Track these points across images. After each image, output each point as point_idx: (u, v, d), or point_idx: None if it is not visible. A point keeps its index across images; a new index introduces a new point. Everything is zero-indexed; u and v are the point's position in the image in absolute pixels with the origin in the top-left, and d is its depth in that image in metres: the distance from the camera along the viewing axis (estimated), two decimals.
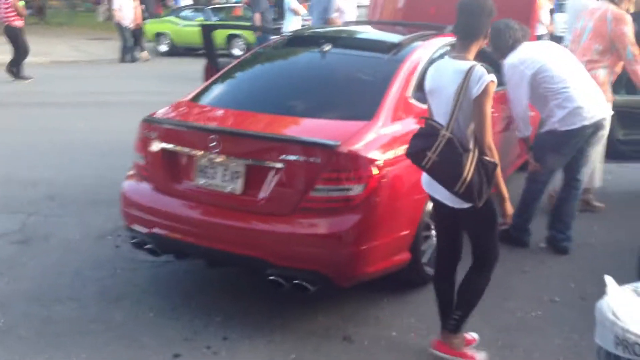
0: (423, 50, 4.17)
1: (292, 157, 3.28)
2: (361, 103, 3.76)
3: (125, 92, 11.59)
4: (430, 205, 3.68)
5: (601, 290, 3.76)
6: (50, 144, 7.46)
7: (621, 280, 3.89)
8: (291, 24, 11.95)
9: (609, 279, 1.95)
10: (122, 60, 16.41)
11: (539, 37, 10.46)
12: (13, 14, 12.19)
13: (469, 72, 2.75)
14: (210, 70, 5.85)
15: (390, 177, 3.39)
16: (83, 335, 3.36)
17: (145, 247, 3.66)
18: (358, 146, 3.30)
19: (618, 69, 4.82)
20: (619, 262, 4.20)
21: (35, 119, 9.08)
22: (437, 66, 3.02)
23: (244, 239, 3.36)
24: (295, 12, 12.32)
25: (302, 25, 11.79)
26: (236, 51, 16.97)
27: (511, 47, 4.22)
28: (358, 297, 3.71)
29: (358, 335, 3.40)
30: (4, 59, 13.28)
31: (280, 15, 10.69)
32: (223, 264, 3.70)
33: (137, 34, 16.76)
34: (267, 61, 4.57)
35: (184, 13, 18.98)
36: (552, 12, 11.78)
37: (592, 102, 4.10)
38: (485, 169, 2.78)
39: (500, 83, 5.13)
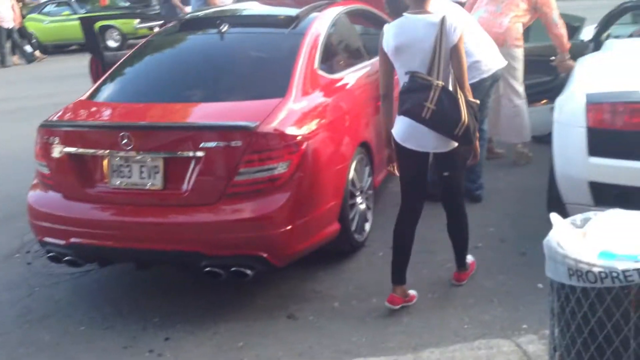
0: (321, 21, 4.17)
1: (212, 144, 3.19)
2: (271, 80, 3.71)
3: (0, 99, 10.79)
4: (352, 174, 3.75)
5: (518, 231, 4.04)
6: None
7: (533, 218, 4.18)
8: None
9: (554, 216, 2.05)
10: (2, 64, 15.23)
11: None
12: None
13: (442, 23, 2.95)
14: (96, 65, 5.57)
15: (312, 151, 3.39)
16: None
17: (65, 259, 3.45)
18: (277, 124, 3.26)
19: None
20: (528, 202, 4.50)
21: None
22: (399, 24, 3.11)
23: (174, 234, 3.26)
24: None
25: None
26: (111, 43, 16.18)
27: (407, 8, 4.28)
28: (293, 275, 3.70)
29: (301, 311, 3.40)
30: None
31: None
32: (154, 263, 3.56)
33: (23, 33, 15.61)
34: (165, 49, 4.39)
35: (47, 9, 17.83)
36: None
37: (488, 55, 4.28)
38: (473, 110, 3.03)
39: None
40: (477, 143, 3.23)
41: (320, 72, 3.85)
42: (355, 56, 4.59)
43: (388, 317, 3.27)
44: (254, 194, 3.22)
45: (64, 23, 16.90)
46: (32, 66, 15.37)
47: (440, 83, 2.96)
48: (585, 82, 3.66)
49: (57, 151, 3.47)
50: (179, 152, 3.26)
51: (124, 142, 3.26)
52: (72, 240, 3.36)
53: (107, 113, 3.73)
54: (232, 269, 3.23)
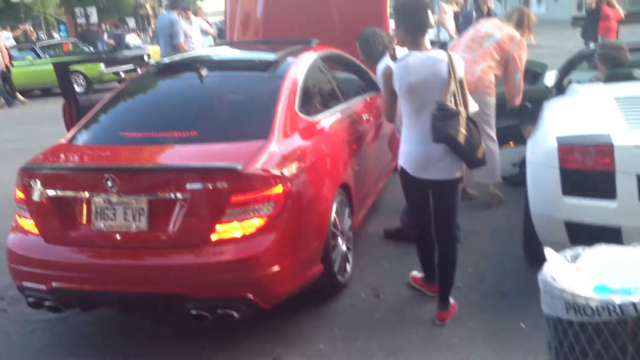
0: (298, 65, 4.27)
1: (197, 186, 3.20)
2: (253, 122, 3.76)
3: None
4: (333, 215, 3.80)
5: (496, 271, 4.12)
6: None
7: (510, 257, 4.28)
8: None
9: (548, 250, 2.12)
10: None
11: (443, 43, 10.92)
12: None
13: (450, 59, 3.31)
14: (70, 109, 5.57)
15: (296, 192, 3.43)
16: None
17: (45, 304, 3.38)
18: (262, 165, 3.30)
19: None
20: (504, 242, 4.60)
21: None
22: (410, 63, 3.35)
23: (159, 277, 3.23)
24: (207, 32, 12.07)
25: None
26: (76, 87, 16.05)
27: (381, 53, 4.44)
28: (278, 316, 3.67)
29: (287, 354, 3.38)
30: None
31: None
32: (139, 307, 3.51)
33: (7, 77, 15.40)
34: (146, 91, 4.41)
35: (11, 53, 17.65)
36: (457, 16, 11.67)
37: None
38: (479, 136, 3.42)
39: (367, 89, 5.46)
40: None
41: (301, 115, 3.92)
42: (331, 99, 4.70)
43: (372, 358, 3.28)
44: (240, 236, 3.23)
45: (27, 68, 16.77)
46: None
47: (464, 111, 3.32)
48: (555, 125, 3.83)
49: (38, 194, 3.42)
50: (165, 194, 3.25)
51: (108, 184, 3.25)
52: (54, 284, 3.30)
53: (89, 155, 3.71)
54: (219, 311, 3.21)
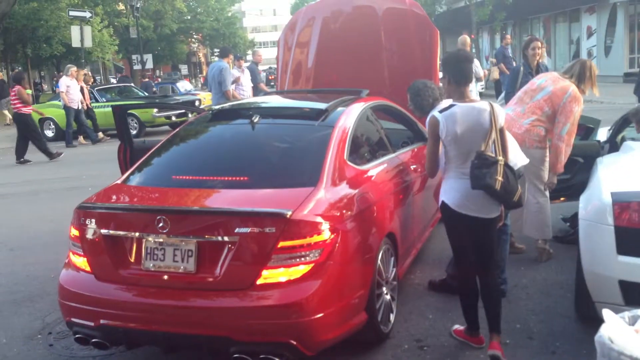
0: (348, 115, 4.33)
1: (246, 230, 3.24)
2: (302, 170, 3.82)
3: (18, 182, 10.97)
4: (379, 264, 3.78)
5: (546, 328, 4.00)
6: None
7: (560, 315, 4.16)
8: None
9: (606, 311, 2.06)
10: (68, 144, 15.65)
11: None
12: (18, 101, 12.93)
13: (492, 108, 3.56)
14: (124, 151, 5.75)
15: (343, 240, 3.43)
16: None
17: (92, 341, 3.43)
18: (310, 212, 3.33)
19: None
20: (554, 299, 4.47)
21: None
22: (456, 113, 3.55)
23: (204, 319, 3.25)
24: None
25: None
26: None
27: (432, 105, 4.47)
28: None
29: None
30: None
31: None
32: (183, 347, 3.53)
33: (91, 115, 16.08)
34: (198, 136, 4.53)
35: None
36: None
37: (512, 150, 4.40)
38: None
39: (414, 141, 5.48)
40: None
41: (350, 163, 3.96)
42: (379, 149, 4.73)
43: None
44: (286, 281, 3.24)
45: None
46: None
47: (502, 159, 3.51)
48: (609, 181, 3.75)
49: (92, 232, 3.52)
50: (213, 237, 3.31)
51: (159, 225, 3.32)
52: (102, 321, 3.36)
53: (142, 197, 3.82)
54: (261, 356, 3.20)
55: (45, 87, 40.35)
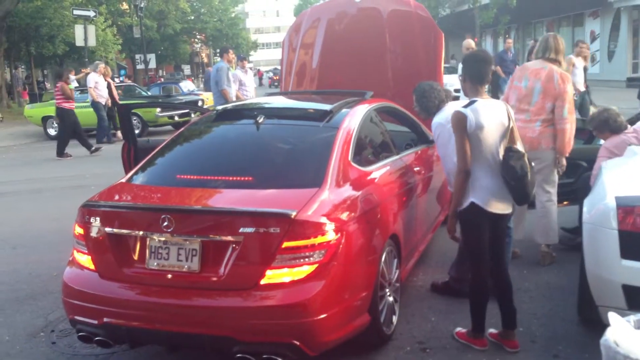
0: (353, 116, 4.33)
1: (250, 230, 3.25)
2: (307, 170, 3.83)
3: (20, 180, 10.98)
4: (382, 266, 3.78)
5: (548, 332, 4.00)
6: None
7: (562, 319, 4.16)
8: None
9: (612, 315, 2.06)
10: (99, 141, 15.54)
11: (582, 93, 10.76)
12: (61, 97, 13.18)
13: (507, 108, 3.78)
14: (129, 150, 5.75)
15: (347, 241, 3.43)
16: None
17: (95, 339, 3.44)
18: (315, 213, 3.33)
19: None
20: (556, 302, 4.47)
21: None
22: (480, 108, 3.64)
23: (207, 318, 3.25)
24: None
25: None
26: None
27: (437, 107, 4.48)
28: None
29: None
30: None
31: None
32: (186, 346, 3.53)
33: (113, 113, 16.07)
34: (203, 136, 4.54)
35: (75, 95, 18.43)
36: (585, 70, 11.55)
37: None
38: None
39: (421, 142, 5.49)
40: None
41: (354, 165, 3.97)
42: (384, 151, 4.74)
43: None
44: (290, 281, 3.24)
45: (87, 109, 17.43)
46: (54, 149, 15.67)
47: (525, 153, 3.69)
48: (613, 185, 3.75)
49: (96, 231, 3.53)
50: (218, 236, 3.31)
51: (164, 224, 3.33)
52: (105, 320, 3.36)
53: (147, 195, 3.82)
54: (264, 356, 3.20)
55: (48, 85, 40.37)
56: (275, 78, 33.61)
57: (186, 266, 3.34)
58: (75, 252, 3.69)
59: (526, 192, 3.70)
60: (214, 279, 3.29)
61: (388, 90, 6.69)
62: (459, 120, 3.64)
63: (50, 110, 17.93)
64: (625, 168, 4.18)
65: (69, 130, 13.51)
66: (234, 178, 3.80)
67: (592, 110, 5.19)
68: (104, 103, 15.38)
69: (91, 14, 24.08)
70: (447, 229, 3.83)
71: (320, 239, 3.29)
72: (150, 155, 4.23)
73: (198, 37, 51.59)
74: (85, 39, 22.01)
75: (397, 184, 4.43)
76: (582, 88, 10.90)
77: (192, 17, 46.97)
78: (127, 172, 4.63)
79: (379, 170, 4.29)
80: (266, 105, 4.92)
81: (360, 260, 3.58)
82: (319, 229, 3.29)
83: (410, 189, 4.65)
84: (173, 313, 3.29)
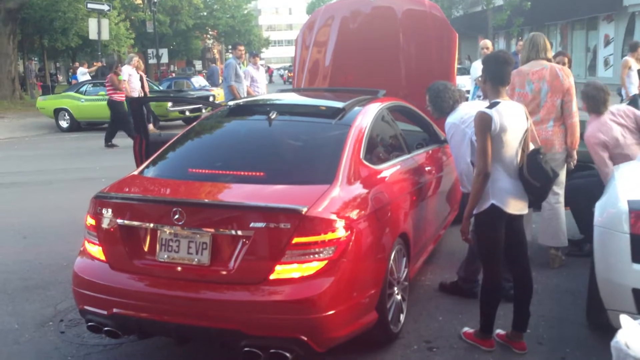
0: (365, 114, 4.34)
1: (261, 225, 3.26)
2: (318, 167, 3.83)
3: (31, 171, 11.05)
4: (391, 264, 3.79)
5: (556, 334, 3.99)
6: None
7: (570, 322, 4.14)
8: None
9: (624, 317, 2.06)
10: (130, 136, 15.54)
11: (633, 98, 10.54)
12: (111, 88, 13.36)
13: (525, 110, 3.81)
14: (140, 143, 5.78)
15: (356, 238, 3.44)
16: None
17: (105, 329, 3.46)
18: (325, 209, 3.34)
19: None
20: (564, 305, 4.46)
21: None
22: (504, 109, 3.63)
23: (216, 312, 3.26)
24: None
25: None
26: None
27: (451, 107, 4.47)
28: None
29: None
30: None
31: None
32: (194, 339, 3.54)
33: (146, 107, 16.02)
34: (215, 131, 4.55)
35: (84, 88, 18.55)
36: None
37: None
38: None
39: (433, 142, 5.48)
40: None
41: (365, 163, 3.97)
42: (395, 149, 4.73)
43: None
44: (299, 277, 3.25)
45: (99, 102, 17.54)
46: (65, 141, 15.79)
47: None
48: (626, 189, 3.73)
49: (107, 222, 3.55)
50: (228, 230, 3.32)
51: (175, 217, 3.34)
52: (115, 310, 3.38)
53: (159, 188, 3.84)
54: (272, 350, 3.21)
55: (60, 78, 40.59)
56: (289, 75, 33.67)
57: (196, 259, 3.36)
58: (86, 242, 3.71)
59: (546, 195, 3.76)
60: (224, 272, 3.31)
61: (400, 89, 6.69)
62: (484, 121, 3.59)
63: (62, 103, 18.10)
64: (637, 171, 4.16)
65: (117, 121, 13.63)
66: (246, 173, 3.80)
67: None
68: (136, 96, 14.70)
69: (105, 7, 24.17)
70: (461, 231, 3.82)
71: (330, 236, 3.29)
72: (162, 149, 4.25)
73: (210, 33, 51.66)
74: (99, 33, 22.11)
75: (407, 183, 4.43)
76: (636, 91, 10.73)
77: (205, 13, 47.04)
78: (138, 165, 4.65)
79: (390, 169, 4.29)
80: (278, 102, 4.93)
81: (370, 257, 3.58)
82: (329, 225, 3.30)
83: (420, 189, 4.65)
84: (182, 305, 3.31)
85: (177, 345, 3.73)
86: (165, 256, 3.41)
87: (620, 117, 5.08)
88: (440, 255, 5.55)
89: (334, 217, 3.33)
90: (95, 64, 24.32)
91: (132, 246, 3.50)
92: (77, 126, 18.01)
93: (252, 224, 3.26)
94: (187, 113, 17.55)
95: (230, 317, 3.24)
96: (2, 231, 6.79)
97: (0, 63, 24.37)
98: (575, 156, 5.12)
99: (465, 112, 4.39)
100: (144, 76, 15.31)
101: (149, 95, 15.77)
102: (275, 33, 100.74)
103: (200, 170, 3.94)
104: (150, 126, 15.12)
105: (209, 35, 52.73)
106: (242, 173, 3.81)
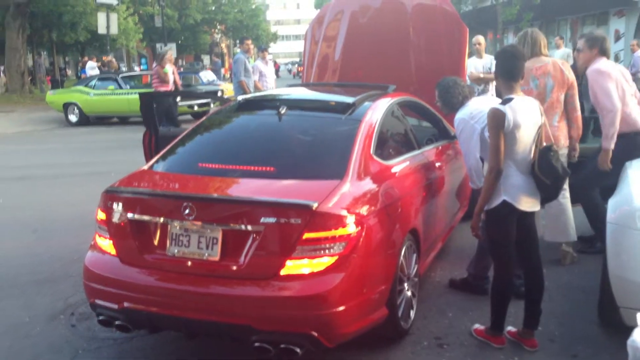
0: (375, 110, 4.32)
1: (271, 220, 3.24)
2: (329, 162, 3.82)
3: (41, 165, 11.10)
4: (401, 260, 3.77)
5: (567, 332, 3.97)
6: None
7: (582, 319, 4.12)
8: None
9: None
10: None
11: None
12: (157, 80, 13.11)
13: (539, 106, 3.76)
14: (150, 138, 5.79)
15: (367, 234, 3.42)
16: None
17: (115, 323, 3.47)
18: (336, 205, 3.32)
19: None
20: (576, 302, 4.43)
21: None
22: (518, 106, 3.59)
23: (227, 307, 3.26)
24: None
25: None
26: None
27: (461, 103, 4.44)
28: (337, 358, 3.65)
29: None
30: None
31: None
32: (204, 334, 3.54)
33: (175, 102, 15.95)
34: (225, 126, 4.54)
35: (93, 82, 18.58)
36: None
37: None
38: None
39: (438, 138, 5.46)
40: None
41: (375, 158, 3.95)
42: (405, 145, 4.71)
43: None
44: (310, 272, 3.24)
45: (108, 97, 17.58)
46: (74, 136, 15.84)
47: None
48: (639, 185, 3.70)
49: (118, 216, 3.55)
50: (238, 226, 3.31)
51: (186, 212, 3.34)
52: (125, 304, 3.39)
53: (169, 183, 3.84)
54: (282, 345, 3.21)
55: (69, 72, 40.69)
56: (299, 69, 33.58)
57: (206, 254, 3.35)
58: (97, 236, 3.72)
59: (558, 192, 3.72)
60: (234, 267, 3.30)
61: (410, 84, 6.65)
62: (498, 118, 3.56)
63: (71, 97, 18.15)
64: None
65: (162, 113, 13.55)
66: (256, 168, 3.79)
67: None
68: (169, 89, 14.00)
69: (114, 2, 24.24)
70: (471, 226, 3.80)
71: (340, 231, 3.28)
72: (172, 144, 4.24)
73: (218, 27, 51.63)
74: (107, 27, 22.19)
75: (418, 178, 4.41)
76: None
77: (213, 8, 47.01)
78: (148, 160, 4.65)
79: (400, 165, 4.27)
80: (288, 97, 4.91)
81: (380, 253, 3.57)
82: (339, 221, 3.29)
83: (430, 184, 4.63)
84: (192, 300, 3.30)
85: (188, 340, 3.74)
86: (176, 251, 3.41)
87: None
88: (450, 252, 5.53)
89: (344, 212, 3.32)
90: (104, 58, 24.39)
91: (142, 240, 3.50)
92: (86, 120, 18.08)
93: (262, 219, 3.25)
94: (196, 108, 17.56)
95: (241, 312, 3.24)
96: (12, 225, 6.82)
97: (9, 57, 24.49)
98: (578, 149, 5.10)
99: (475, 108, 4.36)
100: (175, 69, 15.07)
101: (180, 87, 15.60)
102: (283, 28, 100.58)
103: (211, 165, 3.93)
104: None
105: (217, 30, 52.71)
106: (252, 168, 3.80)
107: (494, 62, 4.01)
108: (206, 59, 50.79)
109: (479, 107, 4.37)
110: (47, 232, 6.47)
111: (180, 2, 40.17)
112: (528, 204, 3.68)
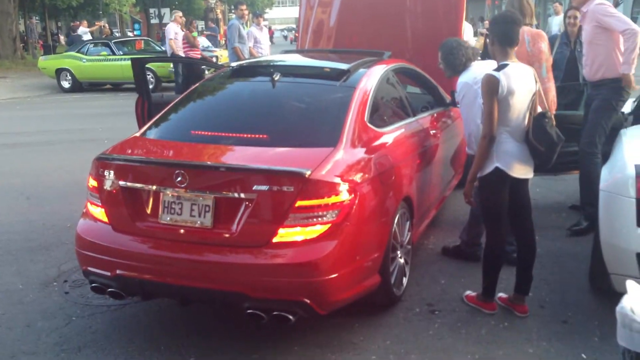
0: (370, 76, 4.27)
1: (264, 188, 3.23)
2: (322, 129, 3.79)
3: (34, 131, 11.02)
4: (394, 228, 3.77)
5: (558, 298, 4.00)
6: None
7: (572, 285, 4.15)
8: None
9: (630, 283, 2.04)
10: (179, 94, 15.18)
11: None
12: (187, 45, 13.46)
13: (534, 72, 3.72)
14: (142, 104, 5.73)
15: (360, 202, 3.41)
16: None
17: (108, 290, 3.48)
18: (329, 172, 3.31)
19: None
20: (567, 269, 4.47)
21: None
22: (511, 72, 3.57)
23: (220, 274, 3.26)
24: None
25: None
26: None
27: (464, 65, 4.38)
28: (329, 324, 3.68)
29: None
30: None
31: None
32: (197, 301, 3.56)
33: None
34: (218, 92, 4.49)
35: (85, 48, 18.36)
36: None
37: None
38: None
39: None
40: None
41: (370, 126, 3.92)
42: (400, 112, 4.68)
43: None
44: (302, 240, 3.24)
45: (101, 63, 17.40)
46: (67, 102, 15.72)
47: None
48: (633, 153, 3.69)
49: (110, 184, 3.53)
50: (231, 193, 3.30)
51: (178, 179, 3.32)
52: (118, 272, 3.39)
53: (161, 150, 3.81)
54: (275, 312, 3.23)
55: (62, 38, 40.13)
56: (296, 35, 33.24)
57: (199, 222, 3.34)
58: (88, 204, 3.70)
59: (552, 159, 3.69)
60: (227, 235, 3.30)
61: (407, 50, 6.59)
62: (491, 84, 3.53)
63: (64, 63, 17.95)
64: None
65: (192, 78, 13.37)
66: (249, 135, 3.76)
67: None
68: (183, 55, 13.90)
69: None
70: (464, 193, 3.80)
71: (333, 199, 3.27)
72: (164, 110, 4.20)
73: None
74: None
75: (412, 146, 4.39)
76: None
77: None
78: (140, 126, 4.61)
79: (394, 132, 4.25)
80: (282, 63, 4.85)
81: (373, 221, 3.57)
82: (332, 188, 3.27)
83: (425, 152, 4.61)
84: (185, 267, 3.31)
85: (181, 307, 3.75)
86: (168, 218, 3.40)
87: None
88: (444, 219, 5.54)
89: (337, 180, 3.31)
90: (97, 23, 24.03)
91: (134, 208, 3.49)
92: (79, 87, 17.93)
93: (255, 187, 3.24)
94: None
95: (233, 279, 3.24)
96: (6, 192, 6.80)
97: (1, 22, 24.10)
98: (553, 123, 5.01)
99: (480, 72, 4.27)
100: (189, 33, 14.67)
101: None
102: None
103: (203, 132, 3.90)
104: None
105: None
106: (246, 135, 3.77)
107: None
108: (201, 25, 50.13)
109: (484, 70, 4.30)
110: (40, 199, 6.45)
111: None
112: (521, 171, 3.67)
